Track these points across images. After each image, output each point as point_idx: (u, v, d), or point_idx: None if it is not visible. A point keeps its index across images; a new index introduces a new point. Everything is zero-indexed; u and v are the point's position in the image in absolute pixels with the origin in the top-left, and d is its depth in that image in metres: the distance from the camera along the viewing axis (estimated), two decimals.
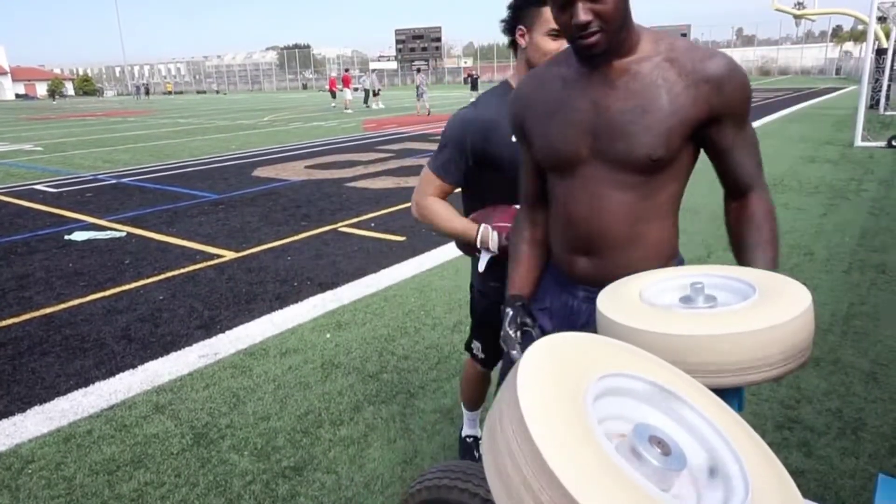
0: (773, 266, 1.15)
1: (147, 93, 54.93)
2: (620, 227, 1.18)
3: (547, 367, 0.83)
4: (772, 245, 1.16)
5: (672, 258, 1.28)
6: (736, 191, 1.21)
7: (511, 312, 1.24)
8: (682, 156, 1.15)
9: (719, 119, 1.10)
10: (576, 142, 1.15)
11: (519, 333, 1.22)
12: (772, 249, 1.16)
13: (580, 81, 1.15)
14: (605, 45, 1.06)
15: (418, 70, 27.13)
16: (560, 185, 1.22)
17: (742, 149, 1.14)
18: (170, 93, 66.04)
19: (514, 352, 1.18)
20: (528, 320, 1.23)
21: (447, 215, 1.66)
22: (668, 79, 1.08)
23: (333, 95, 25.24)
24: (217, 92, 61.95)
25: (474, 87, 29.27)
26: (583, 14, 1.02)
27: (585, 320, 1.27)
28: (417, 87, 21.05)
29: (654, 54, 1.10)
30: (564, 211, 1.22)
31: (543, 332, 1.28)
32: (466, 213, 1.73)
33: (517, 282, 1.31)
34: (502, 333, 1.22)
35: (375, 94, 24.92)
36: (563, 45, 1.14)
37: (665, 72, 1.09)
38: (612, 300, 1.21)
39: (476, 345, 1.99)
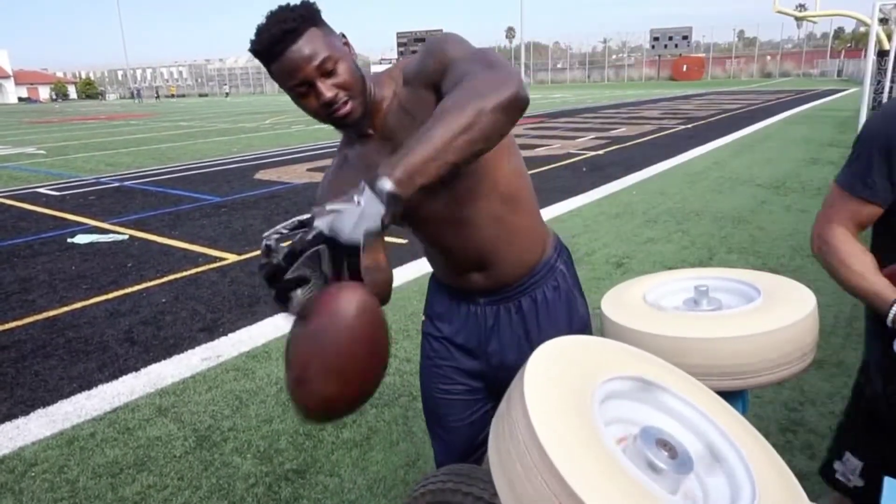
0: (441, 138, 0.87)
1: (139, 96, 55.10)
2: (489, 235, 1.20)
3: (553, 371, 0.83)
4: (449, 116, 0.88)
5: (549, 245, 1.30)
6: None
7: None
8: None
9: (439, 78, 1.06)
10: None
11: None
12: (449, 120, 0.88)
13: (368, 148, 1.17)
14: (359, 108, 1.08)
15: None
16: (418, 233, 1.26)
17: (452, 73, 1.03)
18: (172, 96, 66.17)
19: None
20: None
21: (860, 266, 1.18)
22: (407, 97, 1.12)
23: None
24: (227, 94, 62.02)
25: None
26: (327, 92, 1.04)
27: (493, 321, 1.30)
28: None
29: (394, 88, 1.14)
30: (438, 247, 1.26)
31: (447, 340, 1.34)
32: (881, 258, 1.22)
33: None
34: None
35: None
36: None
37: (403, 95, 1.13)
38: (617, 303, 1.21)
39: (850, 464, 1.35)
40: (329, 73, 1.04)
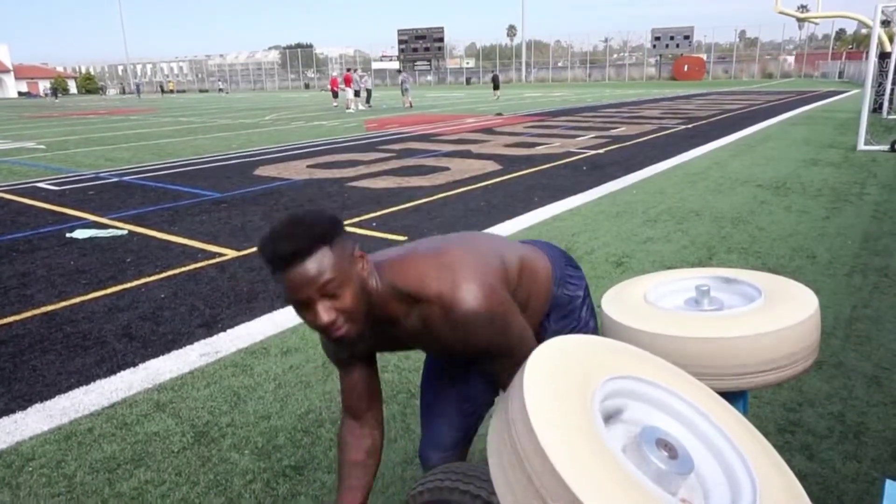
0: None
1: (138, 91, 54.97)
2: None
3: (553, 370, 0.82)
4: None
5: (546, 305, 1.35)
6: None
7: None
8: None
9: (473, 356, 1.18)
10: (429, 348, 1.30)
11: None
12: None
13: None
14: (356, 329, 1.10)
15: (399, 70, 33.80)
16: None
17: (503, 370, 1.15)
18: (172, 91, 66.02)
19: None
20: None
21: None
22: (429, 337, 1.17)
23: (335, 95, 25.20)
24: (220, 90, 61.90)
25: (496, 86, 30.19)
26: (325, 315, 1.06)
27: None
28: (402, 84, 25.36)
29: (410, 314, 1.16)
30: None
31: None
32: None
33: (347, 496, 1.41)
34: None
35: (356, 95, 24.80)
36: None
37: (423, 332, 1.16)
38: (617, 302, 1.20)
39: None
40: (331, 296, 1.05)
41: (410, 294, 1.13)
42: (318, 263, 1.02)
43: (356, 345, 1.22)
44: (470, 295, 1.08)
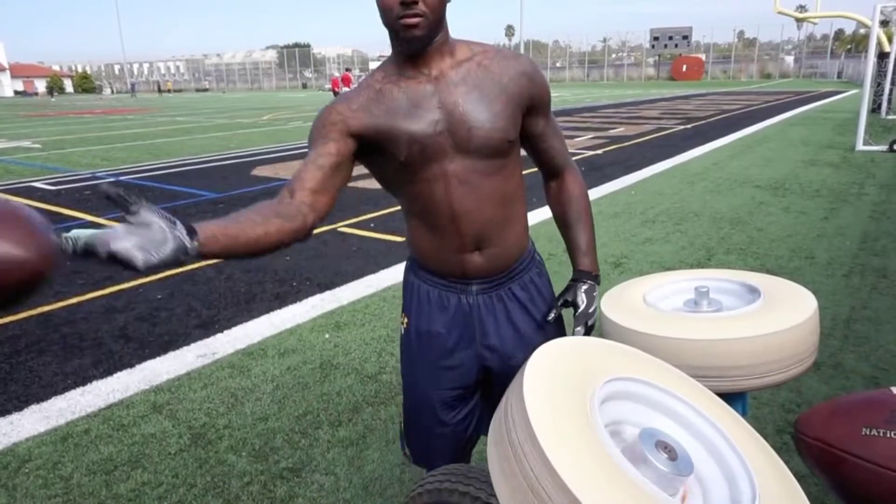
0: (591, 230, 1.38)
1: (133, 90, 54.90)
2: (500, 213, 1.25)
3: (553, 371, 0.82)
4: (588, 215, 1.38)
5: (529, 235, 1.40)
6: (552, 172, 1.39)
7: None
8: (518, 140, 1.28)
9: (534, 108, 1.24)
10: (439, 140, 1.18)
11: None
12: (588, 219, 1.38)
13: (419, 86, 1.18)
14: (425, 30, 1.10)
15: None
16: (433, 189, 1.21)
17: (553, 135, 1.32)
18: (169, 91, 65.97)
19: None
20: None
21: None
22: (493, 73, 1.18)
23: (335, 95, 25.28)
24: (206, 90, 61.78)
25: None
26: None
27: (486, 310, 1.32)
28: None
29: (470, 56, 1.20)
30: (448, 211, 1.22)
31: (436, 336, 1.33)
32: None
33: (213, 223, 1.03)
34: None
35: None
36: None
37: (487, 68, 1.19)
38: (616, 304, 1.20)
39: None
40: None
41: (473, 43, 1.22)
42: None
43: (416, 46, 1.12)
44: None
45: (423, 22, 1.09)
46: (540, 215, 5.72)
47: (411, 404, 1.44)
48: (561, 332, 1.36)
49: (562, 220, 1.39)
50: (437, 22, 1.11)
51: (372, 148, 1.20)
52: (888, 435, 0.97)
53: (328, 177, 1.17)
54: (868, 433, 1.00)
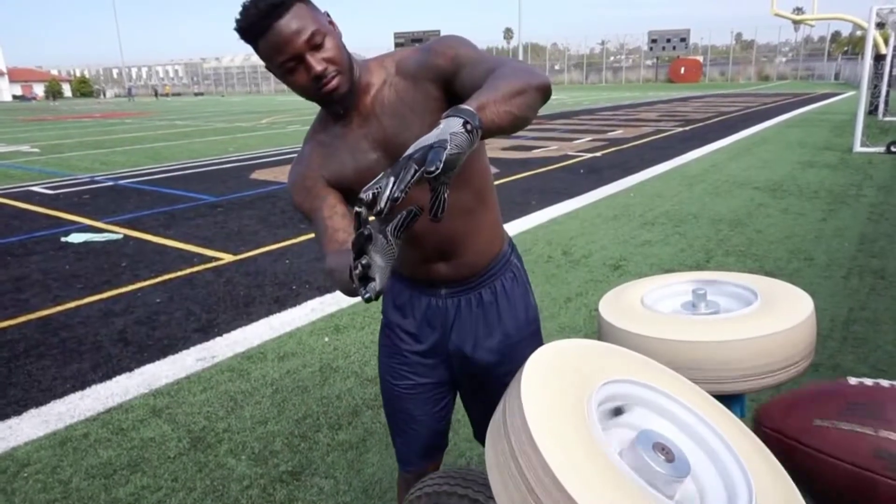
0: (499, 91, 0.93)
1: (131, 94, 55.07)
2: (460, 226, 1.24)
3: (551, 373, 0.82)
4: (506, 81, 0.95)
5: (505, 239, 1.37)
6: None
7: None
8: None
9: (450, 79, 1.12)
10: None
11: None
12: (503, 82, 0.95)
13: (350, 131, 1.18)
14: (346, 83, 1.10)
15: None
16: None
17: (476, 70, 1.08)
18: (167, 94, 66.01)
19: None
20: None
21: None
22: (403, 89, 1.15)
23: None
24: (197, 94, 62.09)
25: None
26: (317, 65, 1.06)
27: (454, 312, 1.33)
28: None
29: (385, 77, 1.17)
30: (409, 234, 1.21)
31: (408, 334, 1.35)
32: None
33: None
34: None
35: None
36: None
37: (398, 87, 1.15)
38: (614, 306, 1.20)
39: None
40: (317, 47, 1.06)
41: (392, 55, 1.18)
42: (298, 16, 1.04)
43: (346, 101, 1.12)
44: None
45: (341, 79, 1.08)
46: (538, 218, 5.73)
47: (386, 398, 1.48)
48: (534, 339, 1.38)
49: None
50: (349, 67, 1.11)
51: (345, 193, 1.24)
52: (839, 426, 0.99)
53: (350, 221, 1.20)
54: (820, 424, 1.02)
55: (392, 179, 0.77)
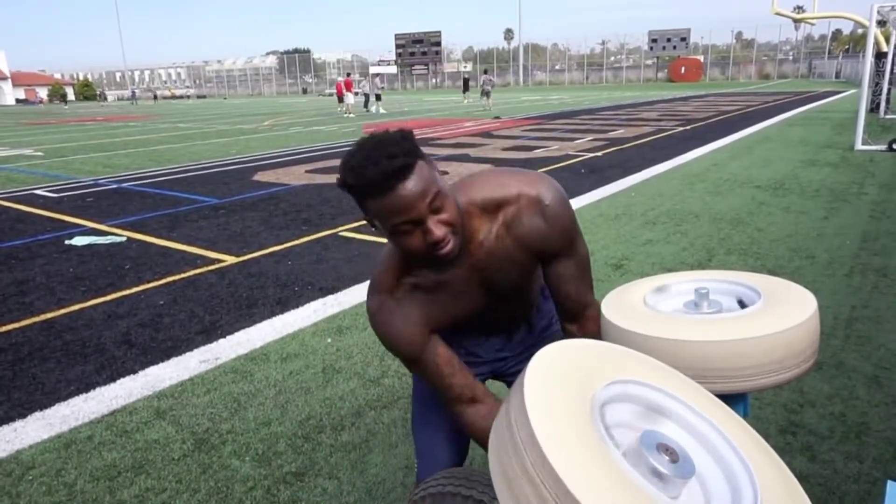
0: None
1: (134, 97, 55.34)
2: (518, 320, 1.45)
3: (554, 375, 0.82)
4: None
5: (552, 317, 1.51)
6: (571, 314, 1.29)
7: None
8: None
9: (550, 257, 1.22)
10: (481, 304, 1.27)
11: None
12: None
13: (455, 276, 1.18)
14: (458, 244, 1.07)
15: (485, 71, 27.83)
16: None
17: (573, 277, 1.24)
18: (173, 97, 66.15)
19: None
20: None
21: None
22: (509, 244, 1.17)
23: (340, 100, 25.26)
24: (189, 97, 62.54)
25: (466, 87, 30.72)
26: (437, 230, 1.01)
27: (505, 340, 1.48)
28: (483, 85, 22.95)
29: (491, 225, 1.16)
30: (475, 320, 1.34)
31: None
32: None
33: None
34: None
35: (378, 99, 25.06)
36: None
37: (505, 240, 1.16)
38: (616, 306, 1.20)
39: None
40: (437, 210, 1.01)
41: (492, 200, 1.14)
42: (423, 176, 0.98)
43: (454, 260, 1.11)
44: (548, 188, 1.15)
45: (456, 240, 1.05)
46: None
47: (419, 400, 1.46)
48: None
49: None
50: (462, 227, 1.07)
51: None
52: None
53: (464, 368, 1.25)
54: None
55: None
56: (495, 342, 1.45)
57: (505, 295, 1.26)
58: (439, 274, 1.16)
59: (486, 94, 23.17)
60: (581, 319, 1.29)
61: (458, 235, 1.05)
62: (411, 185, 0.97)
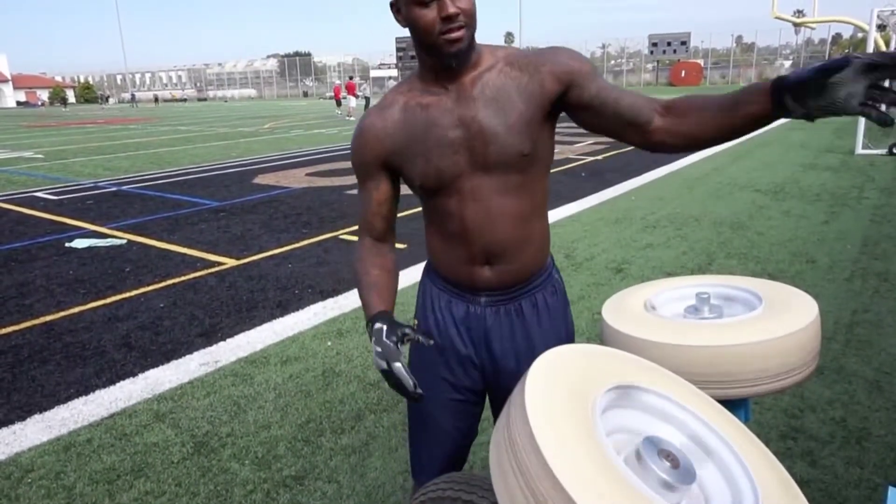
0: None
1: (133, 100, 55.60)
2: (514, 231, 1.22)
3: (554, 380, 0.82)
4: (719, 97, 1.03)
5: (549, 253, 1.35)
6: (649, 117, 1.11)
7: (386, 326, 1.20)
8: (546, 147, 1.21)
9: (571, 84, 1.13)
10: (455, 159, 1.18)
11: (399, 344, 1.16)
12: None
13: (440, 102, 1.17)
14: (467, 41, 1.09)
15: None
16: (447, 204, 1.23)
17: (612, 90, 1.13)
18: (175, 100, 66.31)
19: (397, 363, 1.11)
20: (407, 330, 1.19)
21: None
22: (514, 77, 1.15)
23: (338, 104, 25.27)
24: (184, 100, 62.96)
25: None
26: (451, 6, 1.05)
27: (492, 322, 1.31)
28: None
29: (495, 62, 1.17)
30: (460, 227, 1.23)
31: (443, 343, 1.33)
32: None
33: (378, 301, 1.31)
34: (380, 349, 1.14)
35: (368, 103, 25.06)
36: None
37: (509, 74, 1.15)
38: (618, 311, 1.20)
39: None
40: None
41: (496, 47, 1.18)
42: None
43: (458, 59, 1.11)
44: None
45: (467, 33, 1.08)
46: None
47: (415, 409, 1.44)
48: None
49: (715, 109, 1.02)
50: (475, 29, 1.10)
51: (396, 170, 1.27)
52: None
53: (391, 215, 1.34)
54: None
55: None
56: (482, 289, 1.27)
57: (482, 160, 1.16)
58: (430, 95, 1.18)
59: None
60: (666, 106, 1.10)
61: (470, 30, 1.09)
62: None
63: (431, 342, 1.18)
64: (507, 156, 1.14)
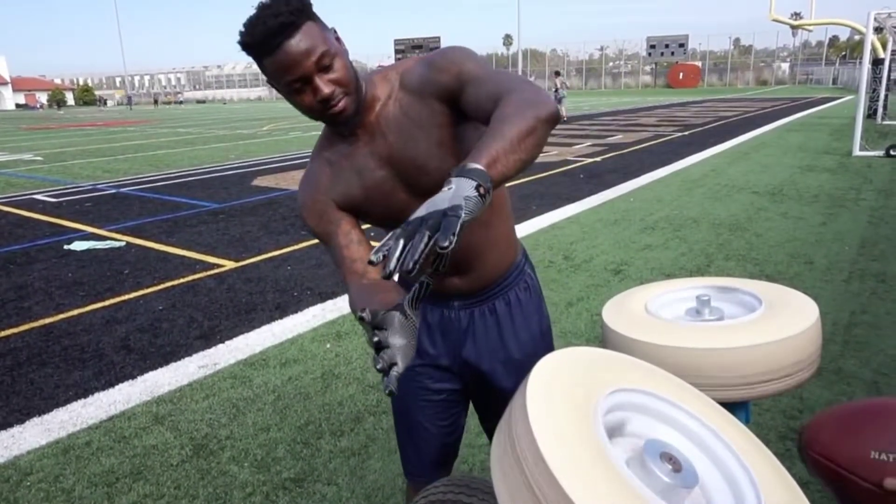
0: (507, 139, 0.88)
1: (130, 102, 55.72)
2: (476, 240, 1.21)
3: (556, 383, 0.82)
4: (511, 123, 0.91)
5: (518, 249, 1.34)
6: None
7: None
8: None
9: (451, 98, 1.10)
10: (397, 196, 1.17)
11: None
12: (509, 126, 0.90)
13: (358, 149, 1.17)
14: (353, 105, 1.08)
15: (557, 73, 22.51)
16: None
17: (480, 90, 1.05)
18: (169, 103, 66.28)
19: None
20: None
21: None
22: (409, 103, 1.13)
23: None
24: (181, 103, 63.15)
25: None
26: (325, 87, 1.03)
27: (467, 324, 1.31)
28: (557, 90, 18.78)
29: (391, 91, 1.15)
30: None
31: (420, 347, 1.31)
32: None
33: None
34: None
35: None
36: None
37: (403, 101, 1.13)
38: (619, 313, 1.20)
39: None
40: (326, 69, 1.03)
41: (394, 67, 1.15)
42: (308, 36, 1.01)
43: (352, 121, 1.10)
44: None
45: (348, 100, 1.07)
46: (539, 223, 5.73)
47: (396, 408, 1.45)
48: (546, 348, 1.36)
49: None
50: (357, 88, 1.08)
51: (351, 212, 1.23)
52: None
53: (369, 247, 1.19)
54: (877, 457, 0.94)
55: (401, 243, 0.73)
56: None
57: (419, 184, 1.14)
58: (347, 145, 1.17)
59: (560, 100, 18.47)
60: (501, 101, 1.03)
61: (353, 96, 1.07)
62: (296, 42, 1.00)
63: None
64: (439, 178, 1.08)
